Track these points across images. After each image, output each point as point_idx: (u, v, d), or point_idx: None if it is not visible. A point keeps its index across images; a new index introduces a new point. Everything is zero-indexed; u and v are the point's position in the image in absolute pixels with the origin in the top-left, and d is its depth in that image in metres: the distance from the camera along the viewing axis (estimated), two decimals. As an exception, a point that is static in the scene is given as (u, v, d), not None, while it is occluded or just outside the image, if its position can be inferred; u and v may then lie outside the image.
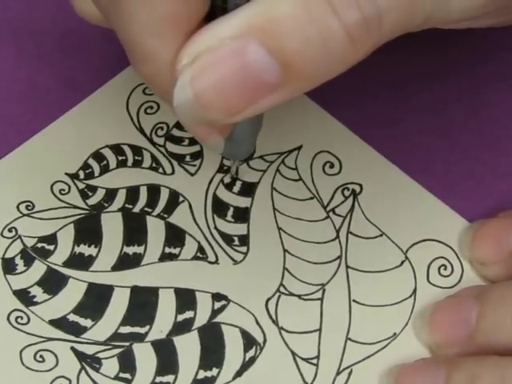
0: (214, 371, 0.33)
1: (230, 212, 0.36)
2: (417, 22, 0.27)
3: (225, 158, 0.37)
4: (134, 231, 0.36)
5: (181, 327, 0.34)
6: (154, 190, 0.37)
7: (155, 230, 0.36)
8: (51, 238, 0.36)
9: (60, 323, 0.34)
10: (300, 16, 0.25)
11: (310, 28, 0.25)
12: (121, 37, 0.28)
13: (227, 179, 0.37)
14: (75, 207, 0.36)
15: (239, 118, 0.26)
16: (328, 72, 0.26)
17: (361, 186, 0.37)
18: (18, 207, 0.36)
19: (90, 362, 0.33)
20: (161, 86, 0.28)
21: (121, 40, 0.28)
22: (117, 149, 0.38)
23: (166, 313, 0.34)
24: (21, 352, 0.33)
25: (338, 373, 0.33)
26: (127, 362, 0.33)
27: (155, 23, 0.26)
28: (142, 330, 0.34)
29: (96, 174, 0.37)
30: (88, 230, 0.36)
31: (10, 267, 0.35)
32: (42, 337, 0.34)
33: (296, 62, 0.25)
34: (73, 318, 0.34)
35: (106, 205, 0.36)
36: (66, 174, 0.37)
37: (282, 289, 0.35)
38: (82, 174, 0.37)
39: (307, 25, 0.25)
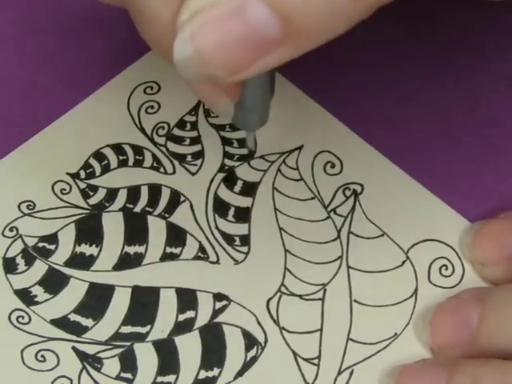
0: (216, 371, 0.33)
1: (231, 212, 0.36)
2: None
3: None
4: (135, 231, 0.36)
5: (182, 327, 0.34)
6: (155, 190, 0.37)
7: (156, 229, 0.36)
8: (52, 238, 0.36)
9: (61, 323, 0.34)
10: None
11: None
12: (126, 2, 0.28)
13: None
14: (76, 207, 0.36)
15: (243, 75, 0.25)
16: (329, 28, 0.25)
17: (362, 186, 0.37)
18: (19, 207, 0.36)
19: (91, 361, 0.33)
20: (165, 47, 0.27)
21: (127, 6, 0.28)
22: (118, 148, 0.38)
23: (167, 313, 0.34)
24: (22, 351, 0.33)
25: (339, 373, 0.33)
26: (128, 362, 0.33)
27: None
28: (143, 330, 0.34)
29: (97, 173, 0.37)
30: (89, 229, 0.36)
31: (11, 267, 0.35)
32: (43, 336, 0.34)
33: (297, 16, 0.24)
34: (74, 317, 0.34)
35: (107, 204, 0.36)
36: (67, 173, 0.37)
37: (283, 289, 0.35)
38: (83, 174, 0.37)
39: None
